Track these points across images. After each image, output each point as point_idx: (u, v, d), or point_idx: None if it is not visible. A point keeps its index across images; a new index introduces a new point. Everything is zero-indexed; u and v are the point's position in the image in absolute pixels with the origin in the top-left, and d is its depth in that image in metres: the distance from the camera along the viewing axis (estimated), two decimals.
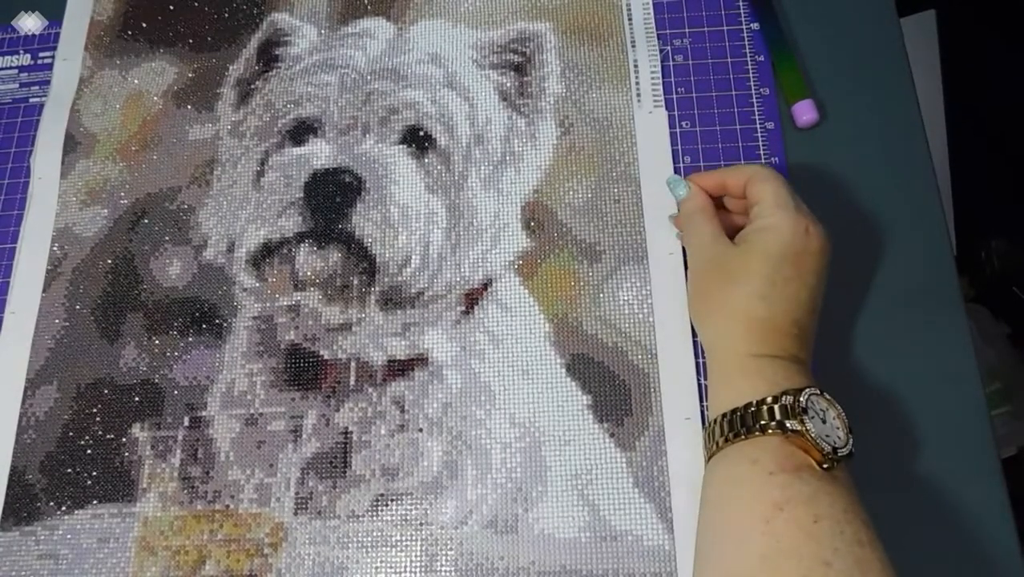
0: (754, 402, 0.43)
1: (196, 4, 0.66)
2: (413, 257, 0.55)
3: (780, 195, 0.49)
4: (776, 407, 0.43)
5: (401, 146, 0.57)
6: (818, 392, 0.44)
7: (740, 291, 0.47)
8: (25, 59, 0.67)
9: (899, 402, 0.51)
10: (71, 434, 0.55)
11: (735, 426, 0.44)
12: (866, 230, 0.55)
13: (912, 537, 0.47)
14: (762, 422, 0.43)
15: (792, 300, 0.47)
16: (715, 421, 0.45)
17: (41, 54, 0.67)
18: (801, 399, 0.42)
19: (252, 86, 0.62)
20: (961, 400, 0.51)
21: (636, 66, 0.60)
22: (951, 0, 1.14)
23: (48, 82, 0.66)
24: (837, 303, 0.53)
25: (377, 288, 0.55)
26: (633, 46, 0.60)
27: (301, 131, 0.59)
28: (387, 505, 0.51)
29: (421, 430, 0.52)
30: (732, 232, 0.51)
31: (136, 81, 0.64)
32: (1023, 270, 1.09)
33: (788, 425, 0.42)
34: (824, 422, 0.43)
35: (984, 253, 1.12)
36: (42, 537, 0.52)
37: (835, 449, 0.42)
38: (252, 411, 0.54)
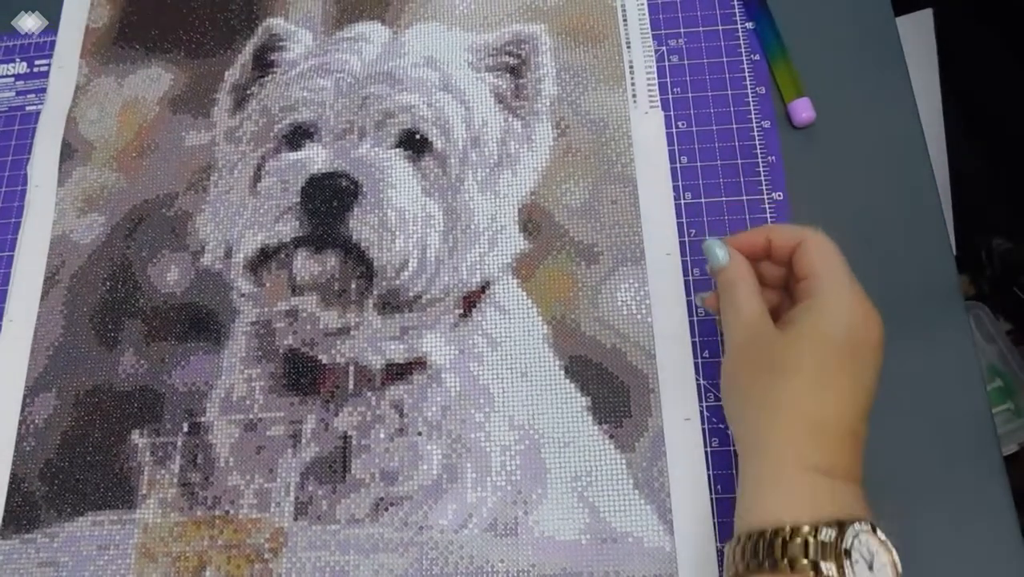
0: (787, 528, 0.37)
1: (191, 10, 0.66)
2: (410, 261, 0.55)
3: (839, 271, 0.42)
4: (812, 541, 0.36)
5: (397, 150, 0.57)
6: (869, 528, 0.37)
7: (786, 384, 0.40)
8: (21, 67, 0.67)
9: (901, 401, 0.51)
10: (70, 441, 0.54)
11: (760, 554, 0.37)
12: (864, 229, 0.55)
13: (914, 536, 0.47)
14: (792, 557, 0.36)
15: (847, 400, 0.40)
16: (739, 539, 0.39)
17: (37, 62, 0.67)
18: (847, 537, 0.35)
19: (248, 91, 0.62)
20: (963, 398, 0.51)
21: (631, 67, 0.60)
22: None
23: (44, 90, 0.66)
24: None
25: (375, 292, 0.55)
26: (628, 47, 0.60)
27: (297, 136, 0.59)
28: (387, 509, 0.50)
29: (420, 434, 0.52)
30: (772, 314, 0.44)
31: (132, 88, 0.64)
32: (1023, 269, 1.08)
33: (824, 569, 0.35)
34: (871, 569, 0.36)
35: (984, 252, 1.11)
36: (42, 545, 0.52)
37: None
38: (251, 416, 0.54)
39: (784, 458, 0.39)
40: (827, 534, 0.36)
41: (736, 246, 0.46)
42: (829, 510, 0.37)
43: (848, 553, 0.35)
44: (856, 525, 0.36)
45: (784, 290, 0.47)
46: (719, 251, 0.45)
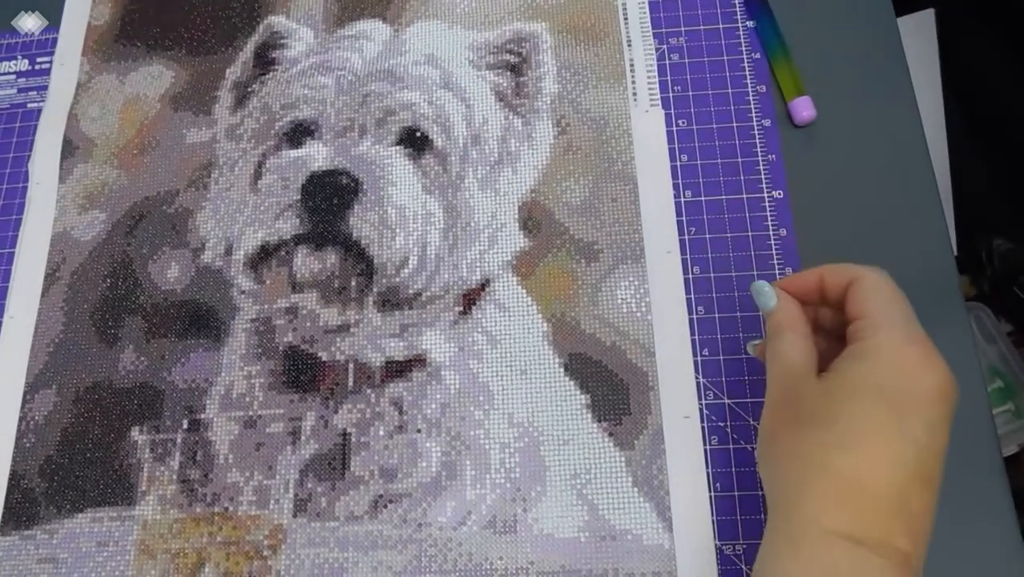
0: None
1: (193, 8, 0.66)
2: (411, 258, 0.55)
3: (889, 311, 0.38)
4: None
5: (398, 147, 0.57)
6: None
7: (819, 436, 0.37)
8: (23, 64, 0.67)
9: None
10: (70, 438, 0.55)
11: None
12: (865, 228, 0.55)
13: None
14: None
15: (888, 459, 0.35)
16: None
17: (39, 59, 0.67)
18: None
19: (249, 89, 0.63)
20: (963, 399, 0.51)
21: (632, 65, 0.60)
22: None
23: (46, 87, 0.66)
24: None
25: (375, 289, 0.55)
26: (629, 45, 0.60)
27: (298, 133, 0.59)
28: (386, 506, 0.51)
29: (420, 431, 0.52)
30: (820, 355, 0.41)
31: (133, 85, 0.64)
32: None
33: None
34: None
35: (985, 252, 1.11)
36: (42, 541, 0.52)
37: None
38: (251, 413, 0.54)
39: (807, 520, 0.36)
40: None
41: (787, 288, 0.43)
42: None
43: None
44: None
45: (839, 339, 0.43)
46: (768, 297, 0.43)
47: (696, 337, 0.53)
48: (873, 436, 0.36)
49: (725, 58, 0.59)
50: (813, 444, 0.37)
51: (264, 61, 0.63)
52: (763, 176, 0.56)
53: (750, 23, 0.60)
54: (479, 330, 0.54)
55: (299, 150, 0.58)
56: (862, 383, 0.37)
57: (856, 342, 0.38)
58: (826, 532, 0.35)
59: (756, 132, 0.57)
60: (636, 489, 0.50)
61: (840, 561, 0.34)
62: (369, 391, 0.53)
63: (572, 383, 0.52)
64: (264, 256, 0.57)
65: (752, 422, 0.51)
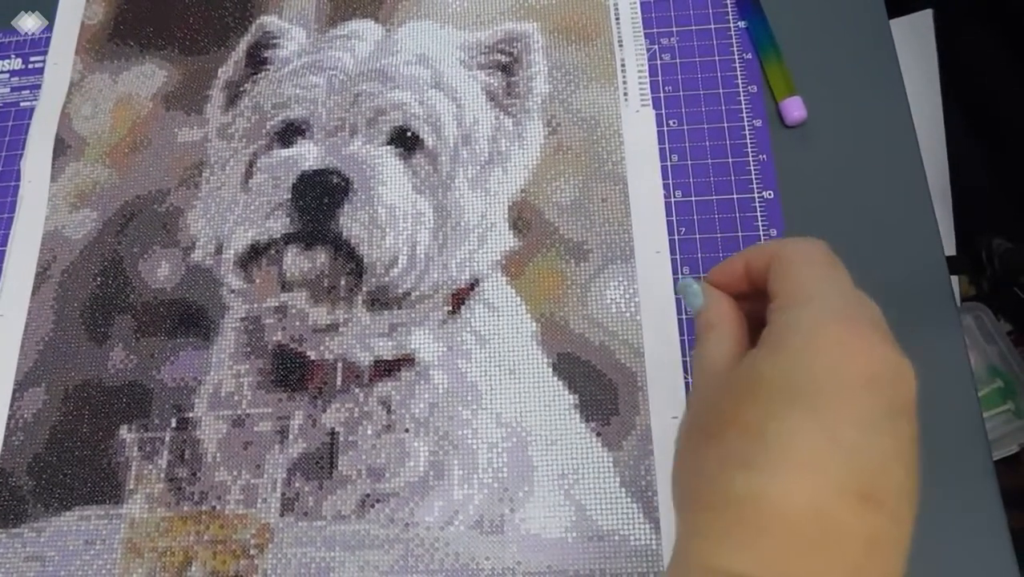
0: None
1: (186, 8, 0.66)
2: (400, 258, 0.55)
3: (801, 283, 0.31)
4: None
5: (389, 147, 0.57)
6: None
7: (713, 452, 0.29)
8: (16, 63, 0.68)
9: None
10: (59, 436, 0.55)
11: None
12: (856, 229, 0.55)
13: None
14: None
15: (807, 472, 0.27)
16: None
17: (32, 58, 0.67)
18: None
19: (241, 88, 0.63)
20: (954, 401, 0.51)
21: (623, 65, 0.60)
22: None
23: (39, 86, 0.66)
24: None
25: (364, 289, 0.55)
26: (620, 45, 0.60)
27: (289, 133, 0.59)
28: (373, 506, 0.51)
29: (407, 430, 0.52)
30: None
31: (126, 84, 0.64)
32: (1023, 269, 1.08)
33: None
34: None
35: (985, 252, 1.11)
36: (29, 539, 0.52)
37: None
38: (239, 412, 0.54)
39: (694, 560, 0.28)
40: None
41: (715, 280, 0.36)
42: None
43: None
44: None
45: None
46: (695, 296, 0.35)
47: (685, 337, 0.53)
48: (782, 446, 0.27)
49: (716, 58, 0.59)
50: (711, 462, 0.29)
51: (256, 60, 0.63)
52: (754, 176, 0.56)
53: (741, 23, 0.60)
54: (468, 330, 0.54)
55: (290, 149, 0.58)
56: (767, 378, 0.29)
57: (767, 327, 0.31)
58: (722, 573, 0.27)
59: (747, 132, 0.57)
60: (623, 490, 0.50)
61: None
62: (357, 390, 0.53)
63: (560, 383, 0.52)
64: (254, 255, 0.57)
65: None
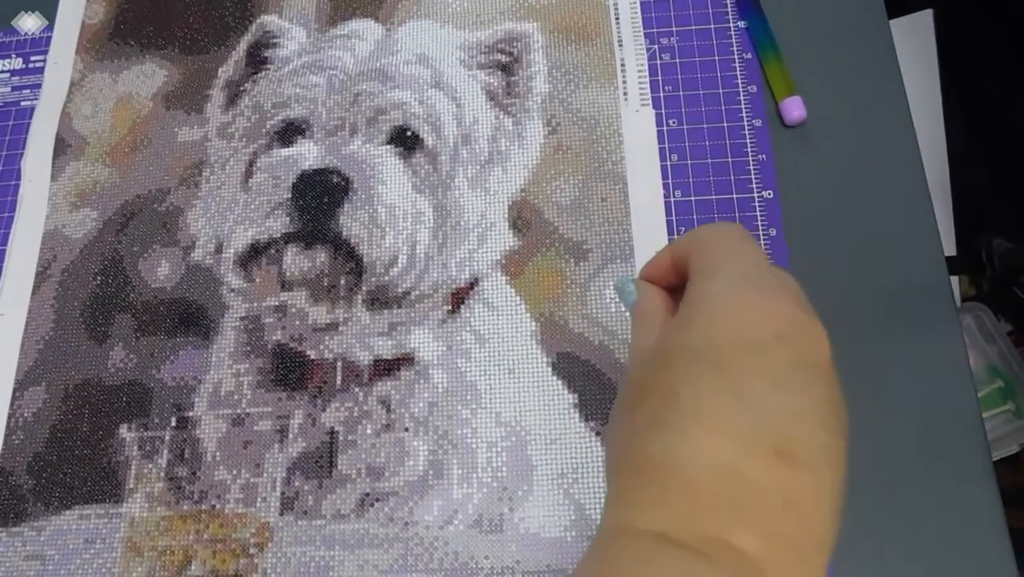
0: None
1: (186, 7, 0.66)
2: (400, 257, 0.55)
3: (713, 260, 0.32)
4: None
5: (388, 146, 0.57)
6: None
7: (632, 419, 0.30)
8: (17, 63, 0.68)
9: (891, 403, 0.51)
10: (59, 435, 0.55)
11: None
12: (855, 229, 0.55)
13: (903, 539, 0.47)
14: None
15: (716, 430, 0.27)
16: None
17: (33, 58, 0.68)
18: None
19: (241, 88, 0.63)
20: (954, 401, 0.51)
21: (623, 65, 0.60)
22: None
23: (39, 85, 0.66)
24: (827, 306, 0.52)
25: (364, 288, 0.55)
26: (620, 45, 0.60)
27: (289, 132, 0.59)
28: (372, 505, 0.51)
29: (407, 430, 0.52)
30: None
31: (126, 84, 0.64)
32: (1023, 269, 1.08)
33: None
34: None
35: (985, 252, 1.11)
36: (29, 538, 0.52)
37: None
38: (239, 411, 0.54)
39: (616, 519, 0.29)
40: None
41: (647, 276, 0.37)
42: None
43: None
44: None
45: None
46: (629, 291, 0.37)
47: None
48: (693, 406, 0.28)
49: (716, 58, 0.59)
50: (627, 427, 0.30)
51: (256, 60, 0.63)
52: (753, 176, 0.56)
53: (741, 23, 0.60)
54: (467, 329, 0.54)
55: (290, 149, 0.58)
56: (680, 345, 0.30)
57: (682, 301, 0.32)
58: (637, 533, 0.27)
59: (746, 132, 0.57)
60: None
61: (655, 568, 0.26)
62: (357, 389, 0.53)
63: (560, 382, 0.52)
64: (254, 254, 0.57)
65: None
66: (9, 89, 0.67)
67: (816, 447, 0.28)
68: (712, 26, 0.60)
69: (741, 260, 0.32)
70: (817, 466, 0.28)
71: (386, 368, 0.53)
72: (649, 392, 0.30)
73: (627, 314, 0.52)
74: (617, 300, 0.53)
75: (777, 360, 0.28)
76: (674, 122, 0.58)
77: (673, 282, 0.36)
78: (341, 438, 0.52)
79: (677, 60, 0.60)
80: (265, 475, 0.52)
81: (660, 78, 0.59)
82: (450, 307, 0.54)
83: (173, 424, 0.54)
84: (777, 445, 0.27)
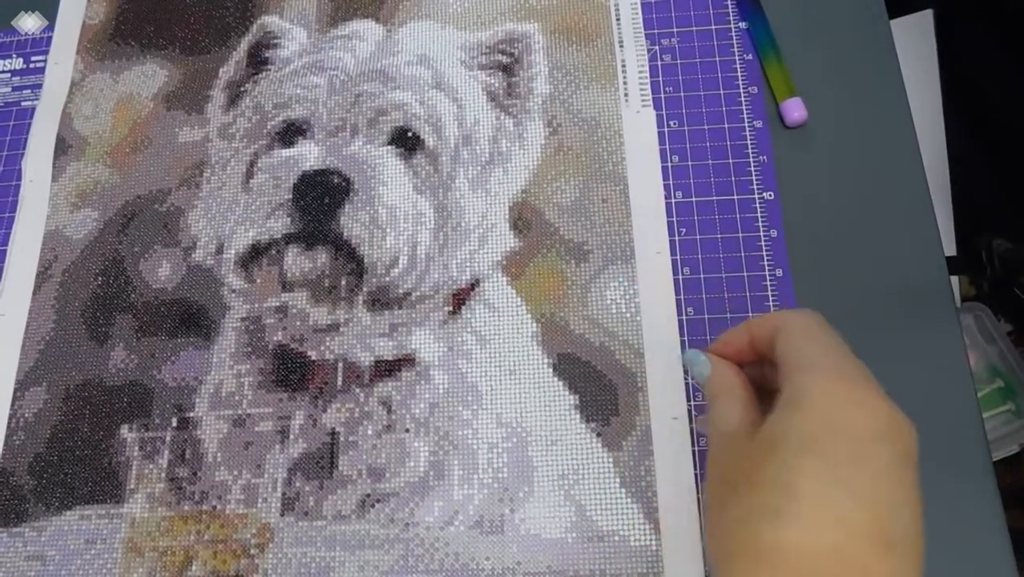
0: None
1: (187, 8, 0.66)
2: (401, 258, 0.55)
3: (811, 351, 0.34)
4: None
5: (389, 147, 0.57)
6: None
7: (741, 506, 0.32)
8: (18, 63, 0.68)
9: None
10: (60, 435, 0.55)
11: None
12: (855, 230, 0.55)
13: None
14: None
15: (826, 518, 0.30)
16: None
17: (33, 58, 0.68)
18: None
19: (242, 88, 0.63)
20: (954, 402, 0.51)
21: (624, 66, 0.60)
22: None
23: (40, 86, 0.66)
24: (827, 306, 0.52)
25: (365, 289, 0.55)
26: (621, 46, 0.60)
27: (290, 133, 0.59)
28: (373, 506, 0.51)
29: (408, 430, 0.52)
30: None
31: (127, 84, 0.64)
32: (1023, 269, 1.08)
33: None
34: None
35: (985, 252, 1.11)
36: (30, 538, 0.52)
37: None
38: (240, 412, 0.54)
39: None
40: None
41: (719, 351, 0.40)
42: None
43: None
44: None
45: None
46: (701, 364, 0.39)
47: (685, 338, 0.53)
48: (803, 495, 0.30)
49: (717, 59, 0.59)
50: (738, 513, 0.32)
51: (257, 61, 0.63)
52: (754, 177, 0.56)
53: (742, 24, 0.60)
54: (468, 330, 0.54)
55: (291, 149, 0.58)
56: (783, 436, 0.32)
57: (781, 395, 0.34)
58: None
59: (747, 133, 0.57)
60: (624, 490, 0.50)
61: None
62: (358, 390, 0.53)
63: (561, 383, 0.52)
64: (255, 255, 0.57)
65: None
66: (10, 89, 0.67)
67: (908, 532, 0.30)
68: (713, 27, 0.60)
69: (834, 353, 0.34)
70: (909, 550, 0.30)
71: (387, 369, 0.53)
72: (755, 481, 0.32)
73: (628, 316, 0.53)
74: (619, 303, 0.53)
75: (880, 453, 0.31)
76: (675, 123, 0.58)
77: (746, 360, 0.39)
78: (342, 439, 0.52)
79: (678, 61, 0.60)
80: (266, 476, 0.52)
81: (661, 79, 0.59)
82: (451, 308, 0.54)
83: (174, 425, 0.54)
84: (880, 533, 0.30)
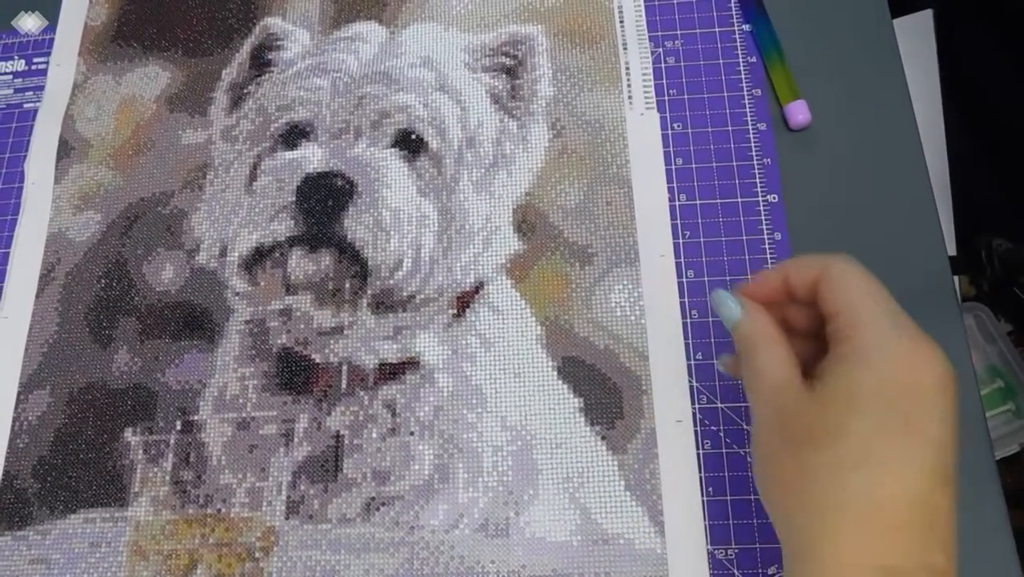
0: None
1: (189, 9, 0.66)
2: (405, 260, 0.55)
3: (873, 303, 0.35)
4: None
5: (393, 149, 0.57)
6: None
7: (825, 460, 0.33)
8: (20, 64, 0.67)
9: None
10: (64, 438, 0.55)
11: None
12: (859, 232, 0.55)
13: None
14: None
15: (908, 469, 0.32)
16: None
17: (36, 60, 0.67)
18: None
19: (245, 90, 0.63)
20: (959, 403, 0.51)
21: (628, 68, 0.60)
22: None
23: (42, 87, 0.66)
24: None
25: (369, 291, 0.55)
26: (625, 48, 0.60)
27: (293, 135, 0.59)
28: (378, 509, 0.51)
29: (412, 434, 0.52)
30: (801, 361, 0.37)
31: (129, 86, 0.64)
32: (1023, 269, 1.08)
33: None
34: None
35: (985, 252, 1.11)
36: (34, 542, 0.52)
37: None
38: (244, 415, 0.54)
39: (836, 563, 0.32)
40: None
41: (751, 293, 0.39)
42: None
43: None
44: None
45: (817, 338, 0.38)
46: (731, 303, 0.39)
47: (689, 341, 0.53)
48: (887, 447, 0.32)
49: (721, 62, 0.59)
50: (820, 468, 0.33)
51: (260, 63, 0.63)
52: (758, 180, 0.56)
53: (746, 27, 0.60)
54: (472, 333, 0.54)
55: (294, 152, 0.58)
56: (859, 390, 0.33)
57: (841, 343, 0.35)
58: (856, 569, 0.31)
59: (751, 136, 0.57)
60: (628, 493, 0.50)
61: None
62: (362, 393, 0.53)
63: (565, 386, 0.52)
64: (258, 258, 0.57)
65: (745, 426, 0.51)
66: (12, 91, 0.67)
67: (954, 468, 0.33)
68: (716, 29, 0.60)
69: (888, 304, 0.35)
70: (957, 483, 0.33)
71: (391, 372, 0.53)
72: (832, 433, 0.33)
73: (633, 319, 0.53)
74: (623, 306, 0.53)
75: (943, 401, 0.33)
76: (679, 126, 0.58)
77: (780, 301, 0.39)
78: (346, 442, 0.52)
79: (682, 64, 0.60)
80: (270, 479, 0.52)
81: (665, 82, 0.59)
82: (455, 311, 0.54)
83: (178, 428, 0.54)
84: (945, 471, 0.33)
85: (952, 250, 1.10)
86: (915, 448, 0.32)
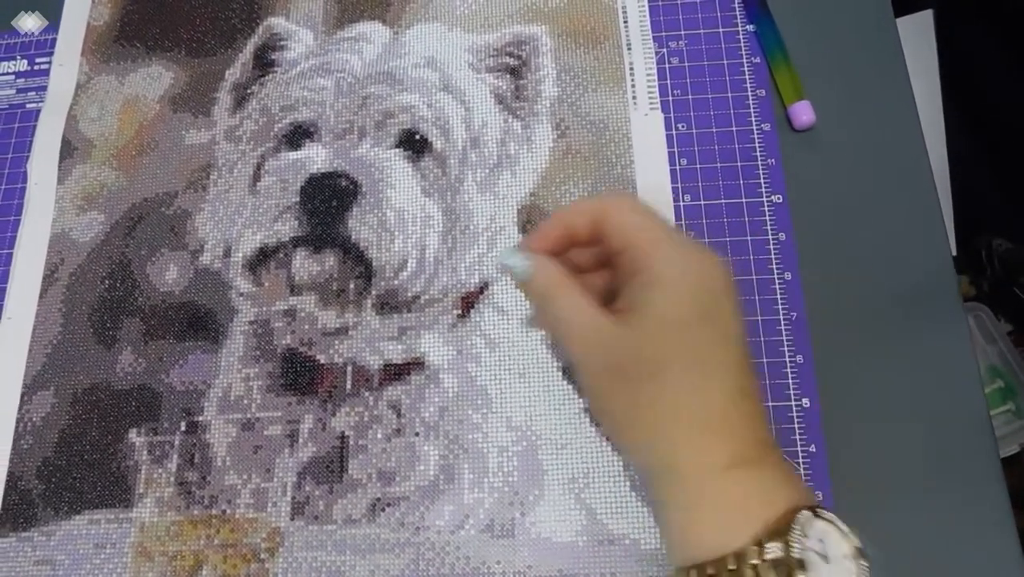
0: (730, 558, 0.32)
1: (192, 9, 0.66)
2: (409, 261, 0.55)
3: (657, 230, 0.37)
4: (761, 563, 0.31)
5: (397, 150, 0.57)
6: (810, 515, 0.33)
7: (656, 386, 0.35)
8: (22, 65, 0.67)
9: (899, 403, 0.51)
10: (68, 439, 0.55)
11: None
12: (864, 232, 0.55)
13: (912, 538, 0.47)
14: None
15: (726, 370, 0.35)
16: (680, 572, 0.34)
17: (38, 60, 0.67)
18: (792, 546, 0.31)
19: (248, 91, 0.62)
20: (961, 401, 0.51)
21: (632, 69, 0.60)
22: None
23: (45, 88, 0.66)
24: (836, 307, 0.53)
25: (373, 292, 0.55)
26: (629, 49, 0.60)
27: (297, 135, 0.59)
28: (384, 510, 0.51)
29: (418, 434, 0.52)
30: (596, 295, 0.37)
31: (132, 86, 0.64)
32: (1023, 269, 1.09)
33: None
34: (828, 560, 0.32)
35: (985, 252, 1.11)
36: (39, 543, 0.52)
37: None
38: (248, 416, 0.54)
39: (693, 474, 0.34)
40: (772, 550, 0.31)
41: (535, 247, 0.39)
42: (763, 515, 0.33)
43: (802, 564, 0.31)
44: (796, 529, 0.32)
45: (604, 268, 0.40)
46: (519, 260, 0.38)
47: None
48: (703, 354, 0.35)
49: (725, 62, 0.59)
50: (656, 397, 0.35)
51: (263, 63, 0.63)
52: (762, 180, 0.56)
53: (750, 27, 0.60)
54: (477, 333, 0.54)
55: (298, 152, 0.58)
56: (678, 312, 0.35)
57: (637, 274, 0.36)
58: (714, 474, 0.34)
59: (756, 136, 0.57)
60: (634, 494, 0.50)
61: (740, 494, 0.34)
62: (367, 394, 0.53)
63: (570, 387, 0.52)
64: (263, 258, 0.57)
65: None
66: (14, 91, 0.66)
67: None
68: (721, 30, 0.60)
69: (667, 224, 0.38)
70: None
71: (396, 373, 0.53)
72: (660, 358, 0.35)
73: None
74: None
75: (732, 299, 0.36)
76: (683, 126, 0.58)
77: (565, 249, 0.39)
78: (351, 443, 0.52)
79: (686, 64, 0.60)
80: (275, 480, 0.52)
81: (669, 82, 0.59)
82: (460, 311, 0.54)
83: (183, 428, 0.54)
84: (751, 361, 0.36)
85: (952, 250, 1.10)
86: (726, 348, 0.35)
